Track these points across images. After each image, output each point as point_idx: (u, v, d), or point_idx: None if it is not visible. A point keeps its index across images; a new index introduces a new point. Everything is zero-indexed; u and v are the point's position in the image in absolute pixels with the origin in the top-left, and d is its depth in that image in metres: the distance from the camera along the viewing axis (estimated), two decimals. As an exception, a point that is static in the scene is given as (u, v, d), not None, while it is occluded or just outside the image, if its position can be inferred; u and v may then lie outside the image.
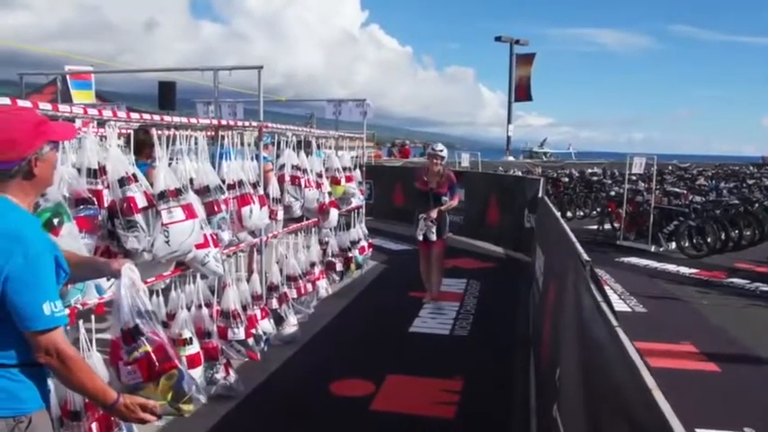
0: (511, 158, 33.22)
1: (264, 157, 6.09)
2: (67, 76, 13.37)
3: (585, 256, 3.01)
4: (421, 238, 7.37)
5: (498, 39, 39.47)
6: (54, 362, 2.01)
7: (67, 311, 2.16)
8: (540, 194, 8.54)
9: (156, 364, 2.23)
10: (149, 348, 2.24)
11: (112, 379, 2.41)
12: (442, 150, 7.45)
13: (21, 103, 3.14)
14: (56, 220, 2.93)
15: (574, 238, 3.65)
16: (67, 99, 12.47)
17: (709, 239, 11.25)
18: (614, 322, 1.99)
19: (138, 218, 3.63)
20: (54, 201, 2.98)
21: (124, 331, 2.26)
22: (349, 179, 8.06)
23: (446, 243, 7.69)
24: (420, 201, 7.55)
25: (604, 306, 2.19)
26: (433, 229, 7.26)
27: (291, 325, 6.08)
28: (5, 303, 1.94)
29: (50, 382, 2.25)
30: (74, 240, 3.03)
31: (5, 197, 2.02)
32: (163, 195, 3.91)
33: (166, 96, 13.50)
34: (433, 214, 7.22)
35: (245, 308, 5.19)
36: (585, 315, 2.35)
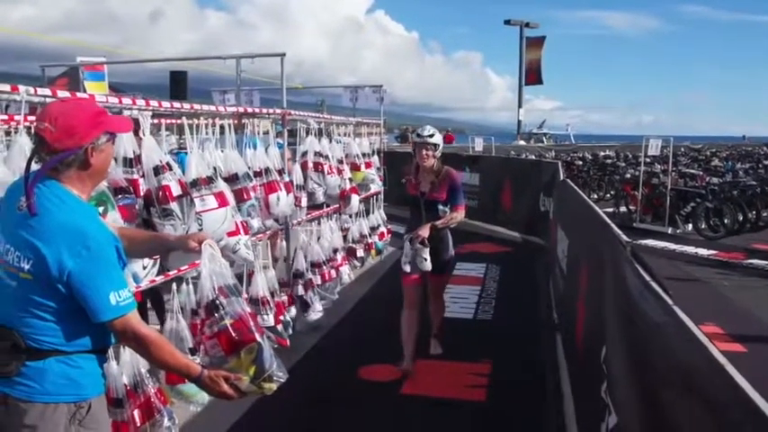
0: (522, 142, 33.08)
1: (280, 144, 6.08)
2: (81, 68, 13.37)
3: (625, 237, 3.02)
4: (408, 269, 4.94)
5: (508, 22, 39.13)
6: (133, 344, 2.11)
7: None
8: (561, 177, 8.51)
9: (235, 336, 2.24)
10: (229, 322, 2.25)
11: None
12: (432, 135, 5.01)
13: (60, 94, 3.16)
14: (101, 209, 2.95)
15: (608, 220, 3.64)
16: (83, 90, 12.49)
17: (726, 221, 11.19)
18: (669, 301, 2.00)
19: (174, 206, 3.65)
20: (97, 189, 3.00)
21: (206, 306, 2.29)
22: (368, 165, 8.07)
23: (447, 275, 5.46)
24: (409, 212, 5.36)
25: (655, 285, 2.19)
26: (426, 255, 4.84)
27: (317, 311, 6.12)
28: (72, 295, 1.98)
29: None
30: (118, 229, 3.06)
31: (65, 188, 2.05)
32: (195, 183, 3.94)
33: (178, 86, 13.49)
34: (425, 233, 4.83)
35: (272, 294, 5.23)
36: (633, 295, 2.35)
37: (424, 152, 4.99)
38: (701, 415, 1.52)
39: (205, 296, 2.30)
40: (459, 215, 5.06)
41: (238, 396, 2.23)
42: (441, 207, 5.00)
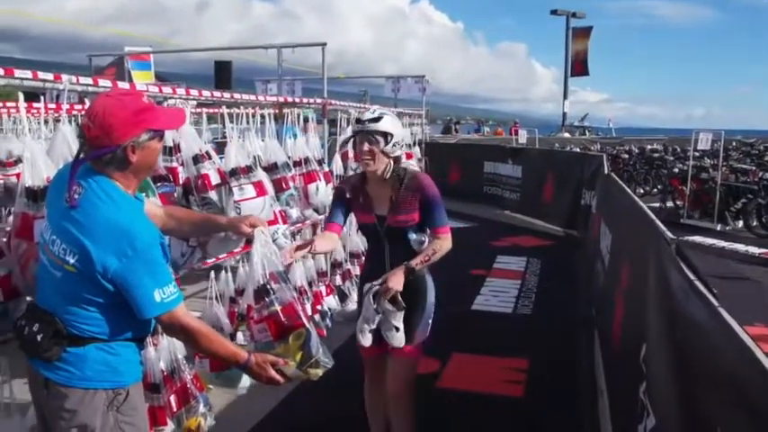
0: (567, 135, 32.57)
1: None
2: (127, 57, 13.66)
3: (670, 234, 2.92)
4: (368, 342, 3.08)
5: (554, 12, 38.59)
6: (181, 336, 2.15)
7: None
8: (606, 171, 8.32)
9: (285, 321, 2.24)
10: (279, 307, 2.26)
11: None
12: (377, 119, 2.96)
13: (101, 83, 3.20)
14: (142, 195, 2.98)
15: (653, 216, 3.54)
16: (129, 80, 12.74)
17: (780, 218, 10.82)
18: (715, 302, 1.92)
19: (212, 195, 3.69)
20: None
21: (255, 291, 2.30)
22: (408, 156, 8.03)
23: (420, 351, 3.28)
24: (369, 249, 3.40)
25: (699, 284, 2.11)
26: (398, 321, 3.02)
27: (354, 302, 6.12)
28: (116, 290, 1.98)
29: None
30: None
31: (113, 183, 2.05)
32: (234, 172, 3.97)
33: (222, 76, 13.69)
34: (397, 284, 2.95)
35: (310, 284, 5.25)
36: (677, 294, 2.27)
37: (365, 146, 2.98)
38: (743, 421, 1.46)
39: (256, 281, 2.30)
40: (446, 243, 3.08)
41: (284, 382, 2.23)
42: (413, 236, 3.10)
